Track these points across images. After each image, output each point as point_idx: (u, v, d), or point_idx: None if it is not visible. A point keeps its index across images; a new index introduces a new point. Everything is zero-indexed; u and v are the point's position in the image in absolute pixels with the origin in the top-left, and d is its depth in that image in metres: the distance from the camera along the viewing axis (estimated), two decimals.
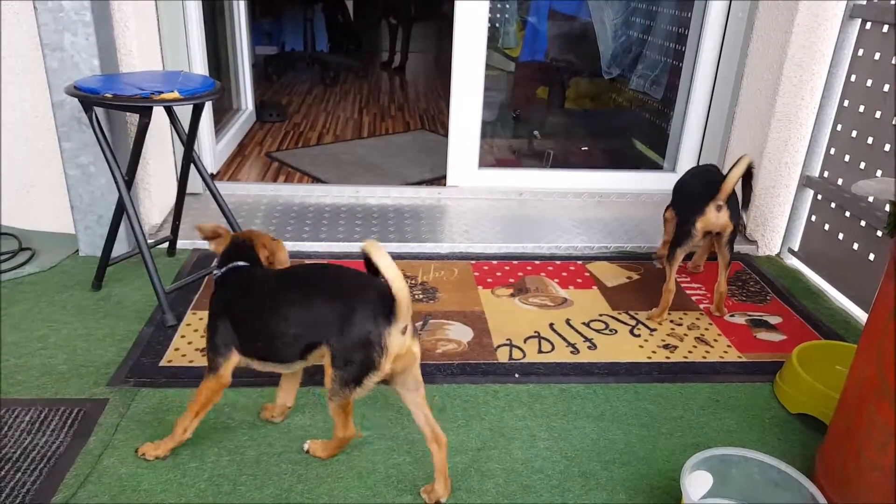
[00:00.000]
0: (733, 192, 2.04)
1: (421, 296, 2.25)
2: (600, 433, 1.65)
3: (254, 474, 1.48)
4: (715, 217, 2.02)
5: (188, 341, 1.94)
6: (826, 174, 2.48)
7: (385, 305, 1.28)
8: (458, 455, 1.56)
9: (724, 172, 2.04)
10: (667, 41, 3.38)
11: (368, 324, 1.29)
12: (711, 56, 2.91)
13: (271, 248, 1.56)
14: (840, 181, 2.39)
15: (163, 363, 1.84)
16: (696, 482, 1.38)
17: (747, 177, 2.08)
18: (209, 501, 1.41)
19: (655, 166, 3.36)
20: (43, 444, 1.54)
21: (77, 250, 2.43)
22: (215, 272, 1.50)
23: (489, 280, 2.38)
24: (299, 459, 1.53)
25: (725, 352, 2.02)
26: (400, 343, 1.30)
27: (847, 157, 2.36)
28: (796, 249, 2.63)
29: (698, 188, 2.11)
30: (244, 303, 1.44)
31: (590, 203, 3.08)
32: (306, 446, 1.55)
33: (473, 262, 2.52)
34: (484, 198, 3.07)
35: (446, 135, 3.05)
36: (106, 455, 1.51)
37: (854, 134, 2.33)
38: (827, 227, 2.45)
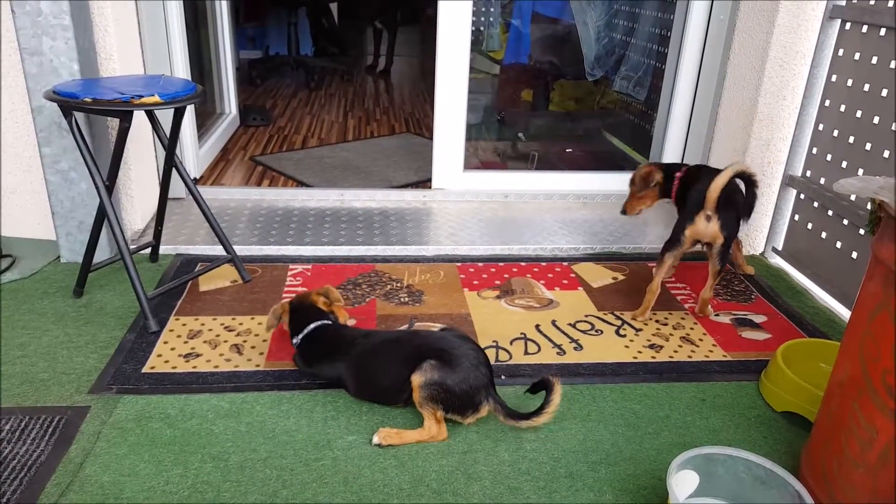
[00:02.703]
0: (731, 203, 2.02)
1: (407, 299, 2.24)
2: (587, 434, 1.65)
3: (238, 480, 1.46)
4: (704, 227, 2.02)
5: (171, 347, 1.92)
6: (808, 173, 2.50)
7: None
8: (444, 458, 1.55)
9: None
10: (649, 43, 3.40)
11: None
12: (694, 57, 2.93)
13: (325, 293, 1.87)
14: (822, 180, 2.41)
15: (145, 370, 1.82)
16: (683, 481, 1.38)
17: (750, 184, 2.06)
18: None
19: None
20: (23, 452, 1.51)
21: (58, 256, 2.40)
22: (295, 341, 1.80)
23: (475, 282, 2.38)
24: (284, 465, 1.51)
25: (711, 351, 2.02)
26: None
27: (829, 157, 2.38)
28: (780, 248, 2.64)
29: (698, 194, 2.04)
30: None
31: (575, 204, 3.09)
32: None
33: (459, 264, 2.51)
34: (469, 200, 3.07)
35: (431, 138, 3.05)
36: (88, 463, 1.49)
37: (836, 133, 2.35)
38: (810, 225, 2.47)
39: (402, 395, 1.65)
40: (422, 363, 1.61)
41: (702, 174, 2.18)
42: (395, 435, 1.59)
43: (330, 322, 1.81)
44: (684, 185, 2.23)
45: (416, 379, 1.60)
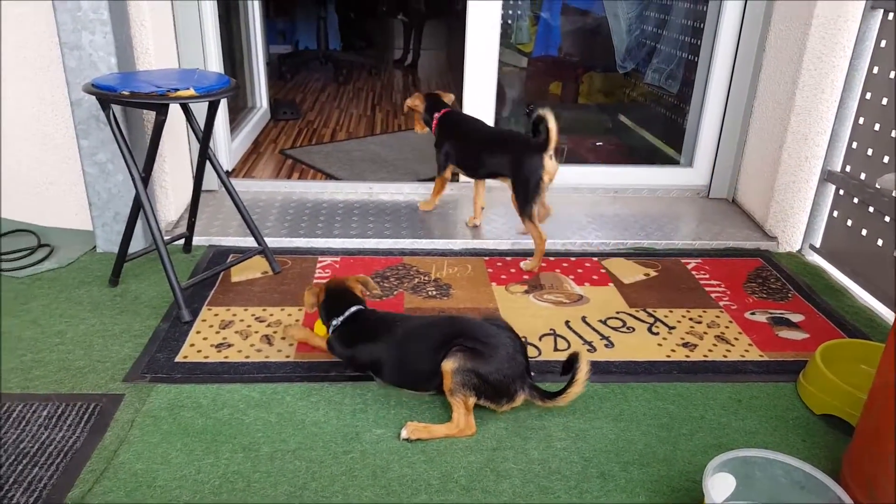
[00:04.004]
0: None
1: (434, 292, 2.24)
2: (619, 433, 1.63)
3: (268, 471, 1.47)
4: (552, 165, 2.31)
5: (203, 337, 1.94)
6: (848, 169, 2.43)
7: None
8: (472, 454, 1.54)
9: (539, 125, 2.25)
10: (682, 35, 3.34)
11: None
12: (728, 50, 2.87)
13: (363, 282, 1.87)
14: (863, 176, 2.35)
15: (178, 359, 1.84)
16: (719, 484, 1.35)
17: (543, 122, 2.27)
18: (223, 498, 1.40)
19: (671, 161, 3.32)
20: (60, 438, 1.54)
21: (95, 247, 2.44)
22: (335, 322, 1.78)
23: (503, 276, 2.36)
24: (313, 457, 1.52)
25: (746, 350, 1.98)
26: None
27: (870, 151, 2.32)
28: (818, 246, 2.58)
29: (514, 145, 2.39)
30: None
31: (605, 199, 3.05)
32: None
33: (487, 258, 2.50)
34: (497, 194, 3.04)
35: None
36: (122, 450, 1.51)
37: (877, 127, 2.28)
38: (849, 222, 2.41)
39: (436, 381, 1.64)
40: (455, 350, 1.60)
41: (463, 121, 2.66)
42: (423, 429, 1.59)
43: (365, 308, 1.81)
44: (443, 126, 2.63)
45: (448, 365, 1.59)
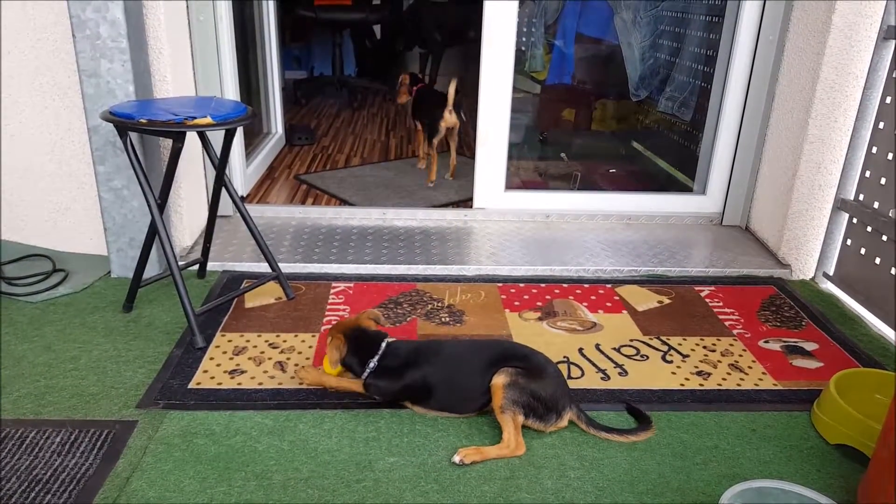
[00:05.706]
0: (456, 104, 3.31)
1: (448, 319, 2.24)
2: (632, 463, 1.61)
3: (280, 500, 1.47)
4: (450, 117, 3.32)
5: (217, 363, 1.95)
6: (861, 197, 2.43)
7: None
8: (486, 484, 1.53)
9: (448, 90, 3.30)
10: (695, 63, 3.36)
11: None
12: (741, 78, 2.88)
13: (375, 318, 1.86)
14: (876, 204, 2.34)
15: (191, 385, 1.85)
16: None
17: (459, 92, 3.29)
18: None
19: (685, 188, 3.33)
20: (73, 465, 1.55)
21: (109, 272, 2.46)
22: (371, 364, 1.74)
23: (516, 303, 2.36)
24: (326, 486, 1.51)
25: (760, 379, 1.97)
26: None
27: (883, 181, 2.31)
28: (831, 274, 2.57)
29: (433, 104, 3.44)
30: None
31: (618, 225, 3.05)
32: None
33: (500, 284, 2.50)
34: (511, 220, 3.06)
35: (473, 157, 3.06)
36: (134, 478, 1.52)
37: (890, 157, 2.28)
38: (863, 251, 2.40)
39: (482, 400, 1.69)
40: (505, 368, 1.66)
41: (430, 91, 3.72)
42: (475, 452, 1.60)
43: (392, 339, 1.80)
44: (420, 95, 3.69)
45: (500, 380, 1.63)
